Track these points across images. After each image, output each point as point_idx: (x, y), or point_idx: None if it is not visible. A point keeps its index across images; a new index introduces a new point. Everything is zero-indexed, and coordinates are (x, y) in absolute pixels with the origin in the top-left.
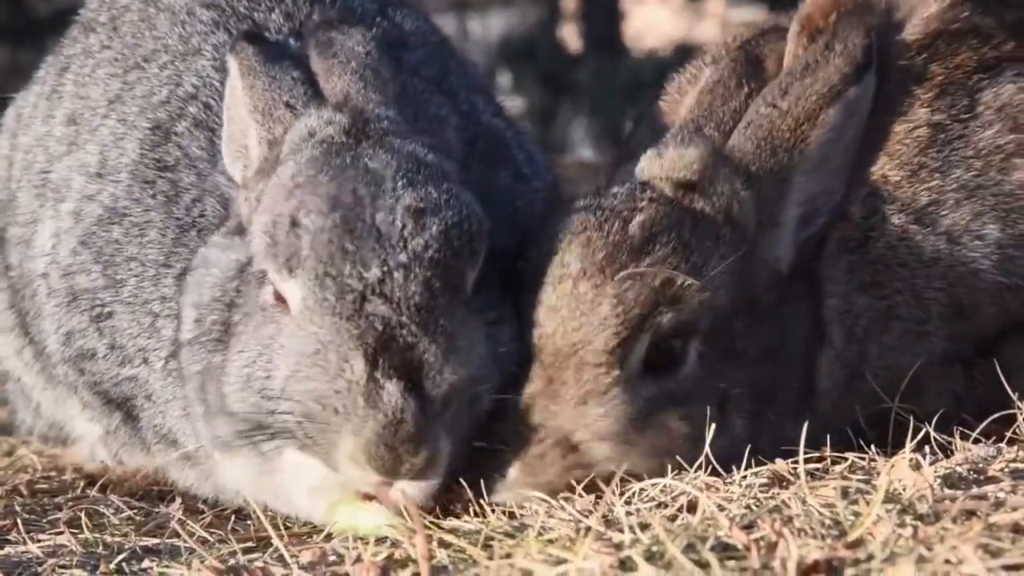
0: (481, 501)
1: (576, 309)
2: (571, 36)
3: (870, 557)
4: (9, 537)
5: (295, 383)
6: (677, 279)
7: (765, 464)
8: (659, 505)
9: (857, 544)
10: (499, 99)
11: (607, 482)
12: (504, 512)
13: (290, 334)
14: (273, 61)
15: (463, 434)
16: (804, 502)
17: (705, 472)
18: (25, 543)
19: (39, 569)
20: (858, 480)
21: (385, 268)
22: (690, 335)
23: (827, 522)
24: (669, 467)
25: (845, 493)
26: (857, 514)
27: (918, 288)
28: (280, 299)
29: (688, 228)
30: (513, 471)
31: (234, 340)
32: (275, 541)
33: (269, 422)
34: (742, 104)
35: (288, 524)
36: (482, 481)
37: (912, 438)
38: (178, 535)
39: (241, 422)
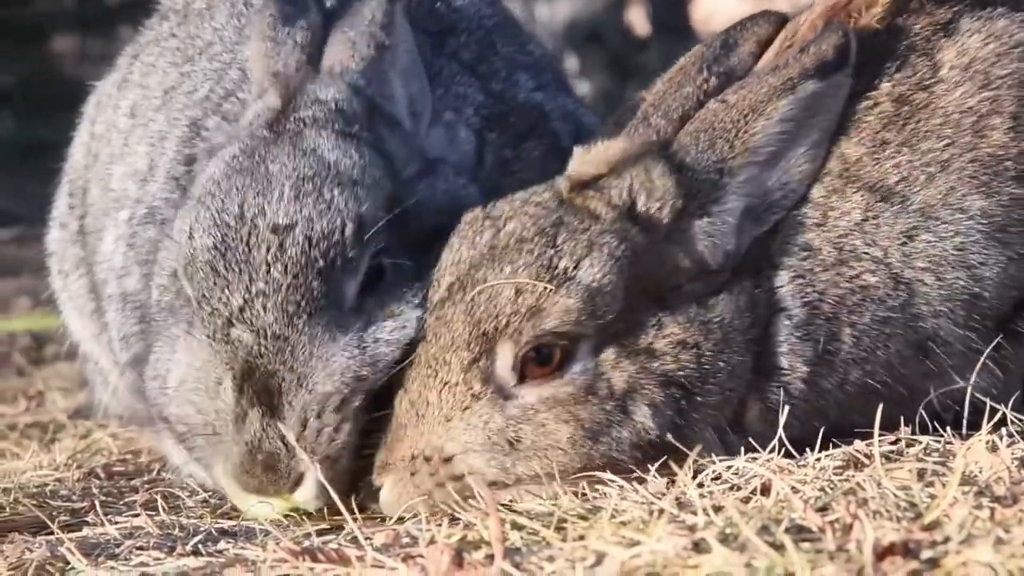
0: None
1: (438, 328)
2: (638, 20)
3: (946, 539)
4: (87, 519)
5: (182, 391)
6: (531, 287)
7: (839, 447)
8: (732, 488)
9: (933, 526)
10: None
11: (491, 485)
12: (576, 494)
13: (187, 340)
14: (287, 22)
15: (344, 435)
16: (879, 484)
17: (778, 454)
18: (103, 525)
19: (117, 550)
20: (934, 462)
21: (247, 296)
22: (574, 339)
23: (903, 504)
24: (563, 466)
25: (921, 475)
26: (933, 496)
27: (894, 269)
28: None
29: (565, 231)
30: (386, 484)
31: (163, 327)
32: (349, 524)
33: (163, 417)
34: (695, 90)
35: (362, 507)
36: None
37: (989, 420)
38: (253, 518)
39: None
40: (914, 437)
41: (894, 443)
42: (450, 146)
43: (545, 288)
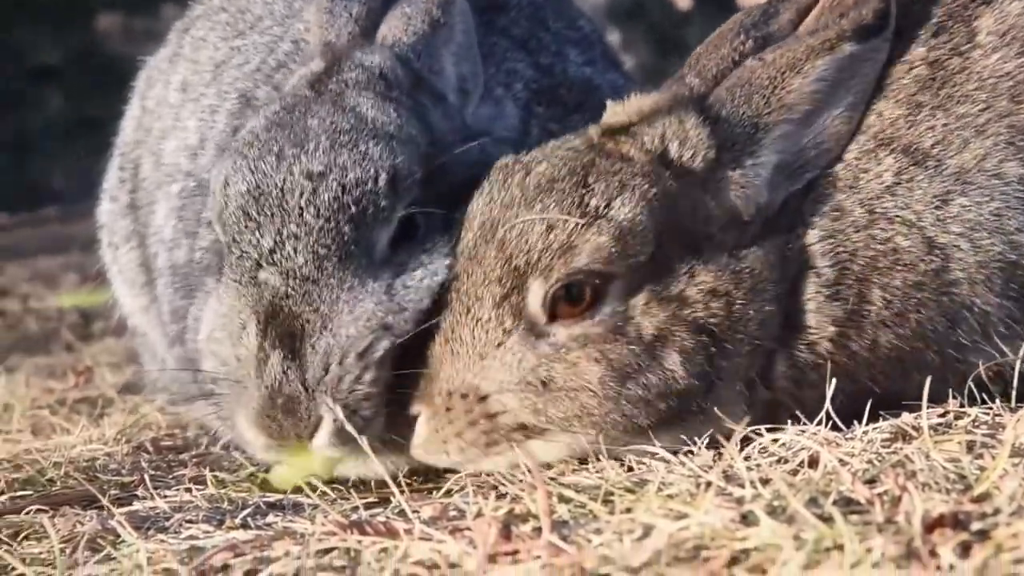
0: None
1: (470, 267)
2: None
3: (996, 511)
4: (137, 493)
5: (211, 342)
6: (562, 223)
7: (887, 419)
8: (779, 461)
9: (983, 498)
10: (603, 49)
11: (522, 429)
12: (623, 467)
13: (217, 292)
14: None
15: (366, 384)
16: (928, 456)
17: (825, 427)
18: (152, 499)
19: (166, 524)
20: (983, 434)
21: (278, 238)
22: (604, 279)
23: (951, 476)
24: (594, 411)
25: (970, 447)
26: (982, 468)
27: (928, 233)
28: None
29: (596, 171)
30: (422, 416)
31: (201, 285)
32: (396, 497)
33: (195, 377)
34: (731, 52)
35: (409, 480)
36: (395, 436)
37: None
38: (301, 491)
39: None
40: (962, 409)
41: (942, 415)
42: (496, 121)
43: (576, 224)
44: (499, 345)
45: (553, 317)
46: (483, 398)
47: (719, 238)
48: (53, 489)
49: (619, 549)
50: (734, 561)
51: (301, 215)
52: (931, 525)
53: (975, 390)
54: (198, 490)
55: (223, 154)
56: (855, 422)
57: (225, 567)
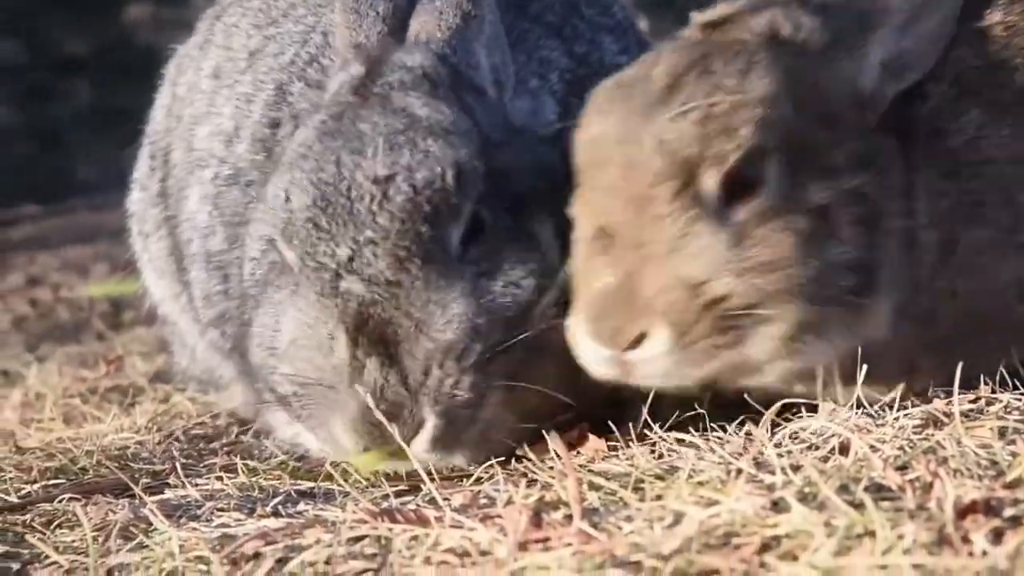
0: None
1: (628, 177)
2: None
3: None
4: (169, 481)
5: (295, 349)
6: (716, 106)
7: (918, 405)
8: (810, 447)
9: (1015, 484)
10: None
11: (748, 312)
12: (653, 454)
13: (293, 301)
14: None
15: (465, 388)
16: (959, 443)
17: (856, 413)
18: (184, 487)
19: (198, 512)
20: (1015, 420)
21: (354, 246)
22: (763, 155)
23: (984, 463)
24: (793, 279)
25: (1002, 433)
26: (1015, 454)
27: (1010, 189)
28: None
29: (716, 58)
30: (659, 331)
31: (264, 297)
32: (427, 484)
33: (272, 382)
34: None
35: (439, 469)
36: (634, 370)
37: None
38: (331, 479)
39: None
40: (994, 395)
41: (974, 401)
42: (535, 116)
43: (726, 104)
44: (689, 235)
45: (727, 201)
46: (700, 286)
47: (846, 117)
48: (85, 477)
49: (650, 536)
50: (765, 548)
51: (375, 220)
52: (963, 511)
53: (1007, 376)
54: (229, 478)
55: (263, 152)
56: (886, 408)
57: (256, 555)
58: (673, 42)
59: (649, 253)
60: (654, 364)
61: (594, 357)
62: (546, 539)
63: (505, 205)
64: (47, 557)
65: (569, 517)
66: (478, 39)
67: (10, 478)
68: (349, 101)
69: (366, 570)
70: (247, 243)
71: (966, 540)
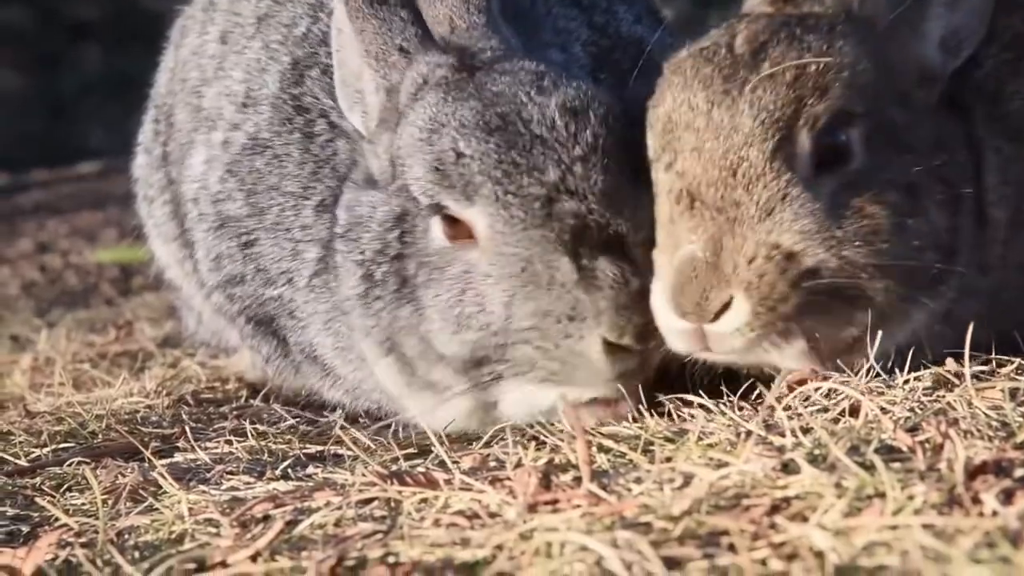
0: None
1: (719, 139)
2: None
3: None
4: (178, 444)
5: (516, 306)
6: (807, 67)
7: (929, 367)
8: (820, 410)
9: None
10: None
11: (834, 292)
12: (663, 416)
13: (490, 261)
14: (381, 1)
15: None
16: (970, 404)
17: (867, 376)
18: (193, 451)
19: (207, 475)
20: None
21: (563, 166)
22: (850, 122)
23: (994, 424)
24: (886, 255)
25: (1012, 395)
26: None
27: None
28: (455, 237)
29: (795, 26)
30: (742, 303)
31: (422, 289)
32: (436, 448)
33: (495, 357)
34: None
35: (448, 432)
36: (712, 345)
37: None
38: (341, 442)
39: (460, 363)
40: (1005, 357)
41: (984, 363)
42: None
43: (817, 66)
44: (784, 196)
45: (817, 165)
46: (790, 256)
47: (916, 96)
48: (95, 441)
49: (659, 498)
50: (775, 509)
51: (576, 140)
52: (973, 472)
53: (1019, 340)
54: (239, 442)
55: (286, 125)
56: (896, 371)
57: (266, 517)
58: (742, 19)
59: (738, 217)
60: (733, 339)
61: (674, 328)
62: (555, 501)
63: None
64: (57, 520)
65: (578, 479)
66: (502, 15)
67: (20, 442)
68: (458, 77)
69: (375, 532)
70: (344, 247)
71: (976, 501)
